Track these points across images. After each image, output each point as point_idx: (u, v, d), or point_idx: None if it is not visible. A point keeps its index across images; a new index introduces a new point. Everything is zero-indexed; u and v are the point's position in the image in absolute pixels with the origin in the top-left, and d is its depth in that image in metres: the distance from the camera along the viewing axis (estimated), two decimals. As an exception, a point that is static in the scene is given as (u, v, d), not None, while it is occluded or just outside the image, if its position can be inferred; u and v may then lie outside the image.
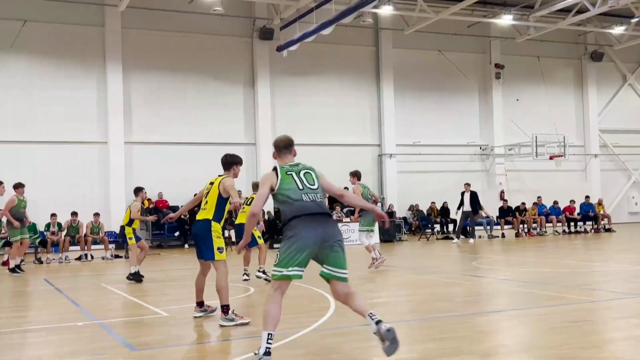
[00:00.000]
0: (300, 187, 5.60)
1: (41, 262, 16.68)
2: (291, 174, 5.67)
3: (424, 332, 6.86)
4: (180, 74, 25.43)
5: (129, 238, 13.43)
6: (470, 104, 30.41)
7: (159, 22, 24.92)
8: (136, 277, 12.83)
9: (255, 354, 5.29)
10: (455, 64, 29.64)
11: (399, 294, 9.72)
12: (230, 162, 7.96)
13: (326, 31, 22.77)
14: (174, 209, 24.29)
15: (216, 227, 7.66)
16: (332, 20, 22.20)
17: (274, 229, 22.83)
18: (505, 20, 26.78)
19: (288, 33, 24.99)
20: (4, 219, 15.87)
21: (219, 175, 7.99)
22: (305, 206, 5.52)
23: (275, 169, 5.73)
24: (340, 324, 7.47)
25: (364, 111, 28.44)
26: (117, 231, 22.63)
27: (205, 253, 7.65)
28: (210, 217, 7.66)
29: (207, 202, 7.79)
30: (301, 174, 5.69)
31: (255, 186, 12.86)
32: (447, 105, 29.70)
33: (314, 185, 5.67)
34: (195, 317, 7.94)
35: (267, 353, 5.23)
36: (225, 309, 7.44)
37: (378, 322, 5.27)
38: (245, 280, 12.06)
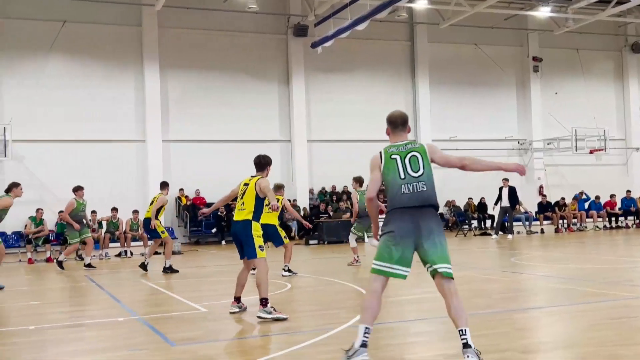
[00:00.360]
0: (402, 176, 5.26)
1: (82, 259, 16.96)
2: (395, 159, 5.32)
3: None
4: (216, 71, 25.65)
5: (161, 231, 13.89)
6: (507, 98, 30.04)
7: (195, 21, 25.16)
8: (173, 270, 13.26)
9: (346, 350, 5.12)
10: (492, 57, 29.30)
11: (431, 291, 9.66)
12: (265, 163, 8.13)
13: (361, 27, 22.71)
14: (211, 206, 24.49)
15: (256, 226, 7.83)
16: (366, 15, 22.13)
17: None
18: (543, 12, 26.36)
19: (322, 29, 24.99)
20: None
21: (252, 176, 8.10)
22: (402, 199, 5.22)
23: (380, 152, 5.42)
24: (377, 320, 7.45)
25: (400, 106, 27.92)
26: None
27: (247, 252, 7.82)
28: (250, 218, 7.81)
29: (243, 202, 7.91)
30: (407, 159, 5.31)
31: (277, 188, 12.65)
32: (484, 100, 29.39)
33: (418, 171, 5.28)
34: (231, 312, 8.02)
35: (364, 345, 5.06)
36: (264, 301, 7.56)
37: (464, 346, 5.02)
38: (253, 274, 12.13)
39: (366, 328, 5.13)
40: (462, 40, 28.63)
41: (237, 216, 7.94)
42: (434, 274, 5.23)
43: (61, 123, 23.44)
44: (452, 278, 5.22)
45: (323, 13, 24.87)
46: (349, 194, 26.44)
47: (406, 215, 5.21)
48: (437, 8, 26.35)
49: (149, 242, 20.15)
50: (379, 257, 5.26)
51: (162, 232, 13.99)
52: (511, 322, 7.13)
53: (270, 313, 7.48)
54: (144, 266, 13.93)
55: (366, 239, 13.60)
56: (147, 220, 14.08)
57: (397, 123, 5.58)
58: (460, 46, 28.87)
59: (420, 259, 5.28)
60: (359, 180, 13.84)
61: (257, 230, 7.81)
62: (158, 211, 13.89)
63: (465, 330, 5.07)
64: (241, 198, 7.98)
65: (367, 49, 27.42)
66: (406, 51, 28.49)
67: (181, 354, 6.07)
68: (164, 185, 14.40)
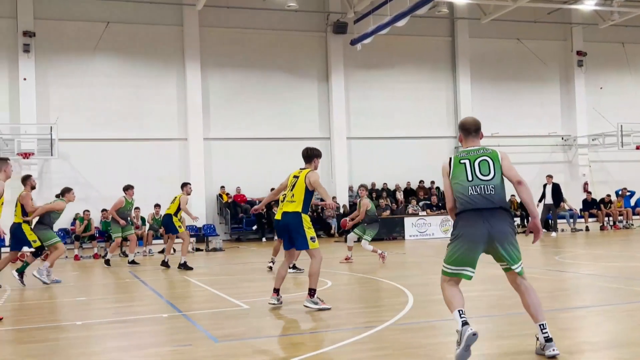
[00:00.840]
0: (470, 179, 5.32)
1: (126, 255, 17.30)
2: (464, 163, 5.39)
3: (505, 327, 6.74)
4: (256, 70, 25.82)
5: (179, 227, 14.53)
6: (551, 93, 29.55)
7: (235, 20, 25.38)
8: (187, 267, 13.86)
9: (458, 341, 5.14)
10: (535, 52, 28.85)
11: (478, 289, 9.57)
12: (312, 155, 8.25)
13: (400, 23, 22.58)
14: (252, 203, 24.72)
15: (306, 218, 7.98)
16: (406, 11, 21.99)
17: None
18: (588, 5, 25.84)
19: (362, 26, 24.94)
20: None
21: (301, 169, 8.21)
22: (471, 201, 5.28)
23: (450, 158, 5.51)
24: (418, 318, 7.43)
25: (440, 103, 28.09)
26: (197, 225, 23.29)
27: (298, 243, 7.98)
28: (300, 210, 7.96)
29: (293, 194, 8.04)
30: (476, 162, 5.36)
31: None
32: (527, 95, 28.96)
33: (487, 175, 5.31)
34: (270, 303, 8.14)
35: (465, 323, 5.11)
36: (312, 292, 7.81)
37: (547, 340, 5.25)
38: (270, 268, 12.80)
39: (459, 311, 5.19)
40: (504, 35, 28.26)
41: (287, 207, 8.07)
42: (508, 271, 5.42)
43: (105, 122, 23.90)
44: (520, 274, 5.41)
45: (362, 10, 24.81)
46: (389, 191, 26.36)
47: (478, 219, 5.27)
48: (478, 3, 26.04)
49: (190, 239, 20.58)
50: (449, 260, 5.38)
51: (179, 226, 14.60)
52: (556, 322, 7.01)
53: (316, 304, 7.76)
54: (165, 264, 14.42)
55: (362, 242, 14.11)
56: (167, 216, 14.63)
57: (470, 130, 5.59)
58: (502, 41, 28.49)
59: (494, 258, 5.44)
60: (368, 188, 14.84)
61: (307, 222, 7.97)
62: (178, 209, 14.49)
63: (545, 324, 5.28)
64: (291, 190, 8.10)
65: (407, 45, 27.26)
66: (447, 47, 28.24)
67: (224, 350, 6.14)
68: (183, 185, 14.98)
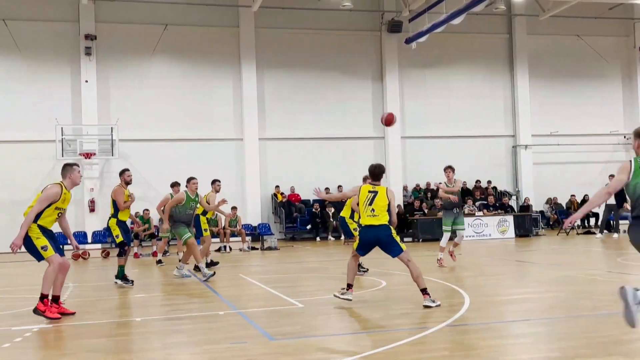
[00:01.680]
0: None
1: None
2: None
3: (566, 330, 6.57)
4: (310, 70, 25.90)
5: (204, 230, 14.09)
6: (612, 90, 28.72)
7: (290, 21, 25.52)
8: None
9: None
10: (595, 49, 28.09)
11: (539, 291, 9.37)
12: (381, 172, 8.59)
13: (456, 21, 22.30)
14: (306, 202, 24.84)
15: (392, 229, 8.39)
16: (462, 9, 21.71)
17: (403, 223, 22.68)
18: (652, -1, 25.01)
19: (417, 25, 24.73)
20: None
21: (373, 184, 8.47)
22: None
23: (631, 160, 5.66)
24: (475, 320, 7.32)
25: (497, 101, 27.63)
26: (253, 224, 23.53)
27: (394, 252, 8.31)
28: (387, 222, 8.31)
29: (373, 209, 8.30)
30: None
31: (365, 179, 12.70)
32: (587, 93, 28.23)
33: None
34: (344, 299, 8.32)
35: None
36: (425, 291, 8.15)
37: None
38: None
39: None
40: (564, 31, 27.62)
41: (371, 221, 8.31)
42: None
43: (163, 123, 24.39)
44: None
45: (418, 8, 24.61)
46: (444, 191, 26.04)
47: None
48: (536, -1, 25.54)
49: (247, 238, 20.78)
50: None
51: (205, 230, 14.18)
52: (619, 326, 6.79)
53: (434, 302, 8.02)
54: (211, 264, 14.18)
55: (460, 234, 13.35)
56: (196, 217, 14.08)
57: None
58: (562, 38, 27.85)
59: None
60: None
61: (394, 231, 8.37)
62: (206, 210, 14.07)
63: None
64: (370, 204, 8.32)
65: (463, 43, 26.92)
66: (504, 44, 27.77)
67: (280, 348, 6.17)
68: (212, 182, 14.76)
